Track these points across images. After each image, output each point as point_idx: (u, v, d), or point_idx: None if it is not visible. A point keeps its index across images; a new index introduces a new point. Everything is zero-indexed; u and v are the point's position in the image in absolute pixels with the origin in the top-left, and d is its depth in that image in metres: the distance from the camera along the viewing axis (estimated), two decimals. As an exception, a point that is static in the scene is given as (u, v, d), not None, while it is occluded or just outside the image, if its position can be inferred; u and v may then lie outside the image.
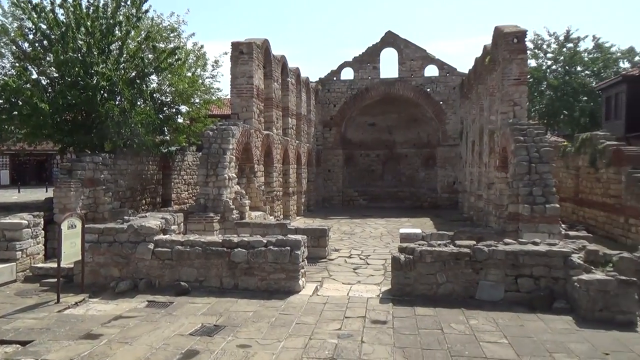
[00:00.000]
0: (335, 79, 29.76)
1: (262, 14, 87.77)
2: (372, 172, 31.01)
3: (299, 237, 9.71)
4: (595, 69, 36.34)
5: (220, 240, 9.71)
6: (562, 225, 14.03)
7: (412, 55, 28.85)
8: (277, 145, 20.03)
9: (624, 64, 36.05)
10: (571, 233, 12.98)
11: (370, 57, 29.34)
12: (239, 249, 9.42)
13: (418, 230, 12.98)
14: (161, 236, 10.00)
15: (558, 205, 12.77)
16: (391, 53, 29.53)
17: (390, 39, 29.23)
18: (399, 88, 28.81)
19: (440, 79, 28.71)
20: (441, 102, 28.56)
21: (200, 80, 19.87)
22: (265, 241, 9.52)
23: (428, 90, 28.68)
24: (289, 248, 9.29)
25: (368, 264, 12.34)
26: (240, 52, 17.09)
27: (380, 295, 9.17)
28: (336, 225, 20.35)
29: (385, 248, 14.54)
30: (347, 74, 29.79)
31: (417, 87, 28.68)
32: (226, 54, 18.44)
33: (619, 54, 36.71)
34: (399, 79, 28.89)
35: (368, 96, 29.27)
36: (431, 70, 28.97)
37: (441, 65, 28.78)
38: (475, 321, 7.62)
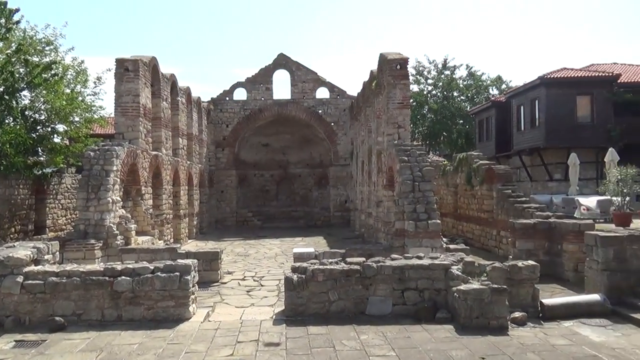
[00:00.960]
0: (227, 99, 29.51)
1: (151, 32, 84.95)
2: (266, 192, 30.99)
3: (188, 261, 9.34)
4: (469, 94, 39.95)
5: (102, 269, 9.03)
6: (444, 239, 15.02)
7: (304, 78, 29.55)
8: (166, 166, 19.26)
9: (493, 91, 40.04)
10: (451, 246, 13.92)
11: (263, 78, 29.55)
12: (123, 277, 8.82)
13: (311, 249, 13.15)
14: (32, 267, 9.06)
15: (439, 221, 13.66)
16: (284, 75, 30.06)
17: (282, 61, 29.72)
18: (292, 109, 29.29)
19: (331, 101, 29.67)
20: (332, 124, 29.50)
21: (80, 98, 18.59)
22: (152, 267, 9.02)
23: (320, 111, 29.48)
24: (178, 273, 8.88)
25: (262, 286, 12.20)
26: (126, 69, 16.28)
27: (274, 316, 9.09)
28: (230, 247, 19.96)
29: (279, 268, 14.49)
30: (240, 94, 29.72)
31: (309, 109, 29.36)
32: (110, 70, 17.51)
33: (489, 82, 40.74)
34: (291, 100, 29.38)
35: (261, 117, 29.38)
36: (322, 93, 29.89)
37: (332, 87, 29.79)
38: (365, 336, 7.82)
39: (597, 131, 22.76)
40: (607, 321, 8.68)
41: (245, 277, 13.36)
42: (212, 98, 29.25)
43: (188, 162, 22.86)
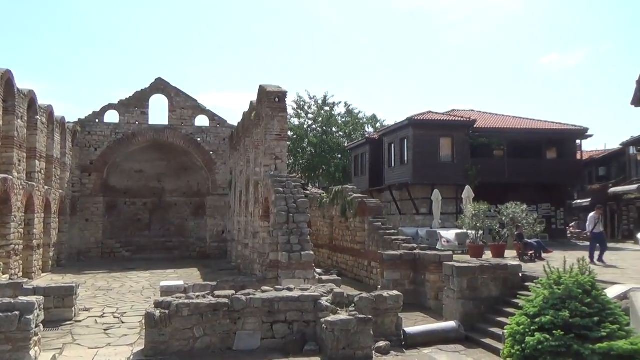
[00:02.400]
0: (97, 121, 27.52)
1: (10, 44, 77.18)
2: (138, 221, 29.11)
3: (32, 298, 8.28)
4: (347, 131, 41.74)
5: None
6: (318, 270, 15.19)
7: (183, 104, 28.69)
8: (18, 191, 17.19)
9: (369, 129, 42.27)
10: (324, 277, 14.09)
11: (138, 102, 28.12)
12: (-55, 318, 7.53)
13: (180, 282, 12.49)
14: None
15: (312, 253, 13.79)
16: (161, 100, 28.87)
17: (160, 86, 28.60)
18: (169, 136, 28.17)
19: (211, 130, 29.08)
20: (211, 152, 28.84)
21: None
22: (-15, 306, 7.83)
23: (199, 139, 28.71)
24: (17, 313, 7.79)
25: (123, 323, 11.24)
26: (-29, 80, 14.46)
27: (132, 357, 8.38)
28: (91, 280, 18.30)
29: (145, 303, 13.46)
30: (112, 117, 27.91)
31: (187, 136, 28.45)
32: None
33: (364, 120, 42.97)
34: (169, 126, 28.27)
35: (135, 142, 27.80)
36: (202, 121, 29.20)
37: (212, 116, 29.26)
38: (230, 374, 7.47)
39: (456, 170, 24.92)
40: (461, 347, 9.26)
41: (104, 313, 12.23)
42: (79, 119, 27.10)
43: (46, 187, 20.70)
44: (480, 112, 30.35)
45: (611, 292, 7.98)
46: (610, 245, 23.55)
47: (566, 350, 4.90)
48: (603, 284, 8.34)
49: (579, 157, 27.77)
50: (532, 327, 5.20)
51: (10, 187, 16.43)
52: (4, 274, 14.89)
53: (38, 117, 19.45)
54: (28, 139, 18.69)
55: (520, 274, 10.90)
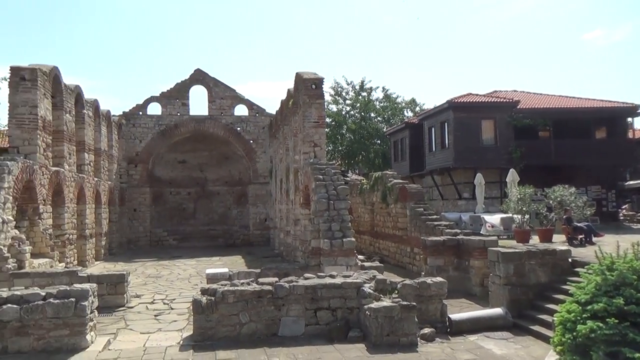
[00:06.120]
0: (141, 113, 28.29)
1: (57, 41, 79.89)
2: (183, 210, 29.91)
3: (86, 286, 8.66)
4: (385, 116, 41.27)
5: (-17, 297, 8.11)
6: (360, 256, 15.18)
7: (222, 94, 29.08)
8: (69, 183, 17.94)
9: (408, 113, 41.64)
10: (366, 264, 14.06)
11: (179, 94, 28.70)
12: (9, 305, 7.99)
13: (225, 270, 12.75)
14: None
15: (354, 239, 13.77)
16: (201, 90, 29.37)
17: (199, 77, 29.07)
18: (210, 126, 28.66)
19: (250, 119, 29.40)
20: (251, 141, 29.20)
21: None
22: (44, 294, 8.25)
23: (238, 129, 29.10)
24: (73, 299, 8.18)
25: (172, 309, 11.60)
26: (22, 78, 15.07)
27: (181, 342, 8.64)
28: (141, 268, 18.95)
29: (193, 290, 13.82)
30: (155, 109, 28.62)
31: (227, 126, 28.87)
32: (6, 79, 16.11)
33: (403, 104, 42.33)
34: (209, 116, 28.76)
35: (177, 133, 28.45)
36: (241, 110, 29.56)
37: (250, 105, 29.55)
38: (276, 359, 7.59)
39: (500, 153, 24.24)
40: (509, 334, 9.07)
41: (154, 300, 12.65)
42: (123, 112, 27.93)
43: (95, 179, 21.51)
44: (523, 92, 29.29)
45: (669, 278, 7.63)
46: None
47: (621, 339, 4.70)
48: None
49: (630, 135, 26.48)
50: (583, 315, 5.02)
51: (63, 179, 17.16)
52: (60, 262, 15.61)
53: (85, 111, 20.15)
54: (76, 132, 19.43)
55: (570, 259, 10.53)
